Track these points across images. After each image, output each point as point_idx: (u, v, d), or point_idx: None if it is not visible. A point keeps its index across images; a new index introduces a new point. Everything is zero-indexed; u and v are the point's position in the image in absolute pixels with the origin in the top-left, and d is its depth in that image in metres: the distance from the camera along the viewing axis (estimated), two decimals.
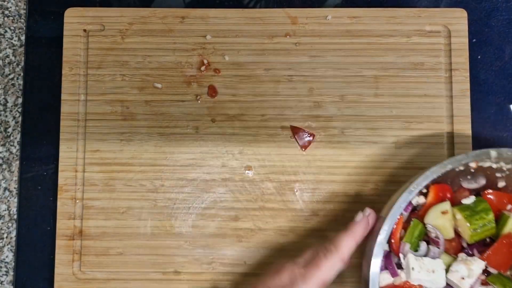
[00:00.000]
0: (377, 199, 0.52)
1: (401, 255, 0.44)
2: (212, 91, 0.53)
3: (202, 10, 0.54)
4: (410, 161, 0.52)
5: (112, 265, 0.51)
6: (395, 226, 0.43)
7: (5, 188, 0.54)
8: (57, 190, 0.52)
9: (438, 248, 0.44)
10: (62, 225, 0.52)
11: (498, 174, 0.46)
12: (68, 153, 0.53)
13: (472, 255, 0.44)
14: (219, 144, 0.53)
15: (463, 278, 0.43)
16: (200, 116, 0.53)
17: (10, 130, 0.55)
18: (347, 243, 0.43)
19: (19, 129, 0.55)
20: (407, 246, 0.44)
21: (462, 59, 0.53)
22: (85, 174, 0.52)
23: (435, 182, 0.45)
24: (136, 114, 0.53)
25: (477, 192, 0.47)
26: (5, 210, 0.54)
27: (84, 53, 0.54)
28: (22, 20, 0.56)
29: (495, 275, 0.43)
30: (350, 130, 0.53)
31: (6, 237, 0.53)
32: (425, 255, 0.44)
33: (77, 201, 0.52)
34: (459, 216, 0.44)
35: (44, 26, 0.56)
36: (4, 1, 0.57)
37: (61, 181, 0.52)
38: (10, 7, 0.57)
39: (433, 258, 0.44)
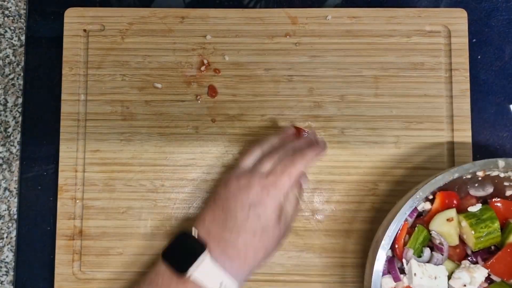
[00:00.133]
0: (377, 199, 0.52)
1: (404, 260, 0.44)
2: (212, 91, 0.53)
3: (202, 10, 0.54)
4: (410, 161, 0.52)
5: (112, 265, 0.51)
6: (399, 232, 0.43)
7: (5, 188, 0.54)
8: (57, 190, 0.52)
9: (442, 254, 0.44)
10: (62, 225, 0.52)
11: (506, 183, 0.45)
12: (68, 153, 0.53)
13: (476, 262, 0.44)
14: (219, 144, 0.53)
15: (465, 286, 0.43)
16: (200, 116, 0.53)
17: (10, 130, 0.55)
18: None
19: (19, 129, 0.55)
20: (410, 252, 0.44)
21: (462, 59, 0.53)
22: (85, 174, 0.52)
23: (441, 189, 0.45)
24: (136, 114, 0.53)
25: (484, 200, 0.47)
26: (5, 210, 0.54)
27: (84, 53, 0.54)
28: (22, 20, 0.56)
29: (498, 283, 0.43)
30: (350, 130, 0.53)
31: (6, 237, 0.53)
32: (428, 261, 0.44)
33: (77, 201, 0.52)
34: (464, 223, 0.44)
35: (44, 26, 0.56)
36: (4, 1, 0.57)
37: (61, 181, 0.52)
38: (10, 7, 0.57)
39: (436, 264, 0.43)
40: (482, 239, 0.44)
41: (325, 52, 0.53)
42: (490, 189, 0.46)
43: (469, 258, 0.45)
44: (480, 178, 0.45)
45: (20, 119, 0.55)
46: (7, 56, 0.56)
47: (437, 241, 0.44)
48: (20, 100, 0.55)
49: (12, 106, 0.55)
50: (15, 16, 0.56)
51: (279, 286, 0.51)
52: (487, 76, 0.54)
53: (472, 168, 0.43)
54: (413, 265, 0.43)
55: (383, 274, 0.43)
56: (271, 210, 0.42)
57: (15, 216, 0.54)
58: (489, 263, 0.43)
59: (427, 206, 0.46)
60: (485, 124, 0.54)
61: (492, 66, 0.54)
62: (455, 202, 0.46)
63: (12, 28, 0.56)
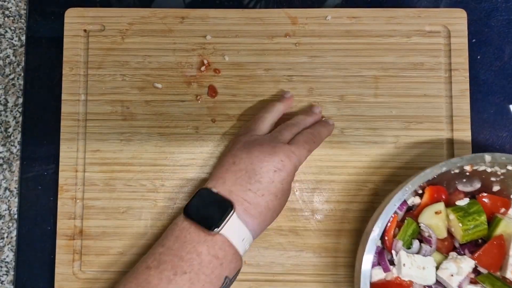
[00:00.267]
0: (377, 199, 0.52)
1: (393, 252, 0.45)
2: (212, 91, 0.53)
3: (202, 10, 0.54)
4: (410, 161, 0.52)
5: (113, 265, 0.51)
6: (389, 224, 0.45)
7: (6, 188, 0.54)
8: (57, 190, 0.52)
9: (430, 246, 0.45)
10: (63, 224, 0.52)
11: (492, 178, 0.47)
12: (69, 153, 0.53)
13: (463, 254, 0.45)
14: (219, 144, 0.53)
15: (452, 275, 0.44)
16: (200, 116, 0.53)
17: (10, 130, 0.55)
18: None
19: (19, 129, 0.55)
20: (399, 243, 0.45)
21: (461, 59, 0.53)
22: (85, 174, 0.52)
23: (430, 183, 0.46)
24: (136, 114, 0.53)
25: (473, 195, 0.48)
26: (5, 210, 0.54)
27: (84, 53, 0.54)
28: (23, 20, 0.56)
29: (485, 275, 0.44)
30: (350, 130, 0.53)
31: (7, 237, 0.53)
32: (417, 253, 0.45)
33: (78, 201, 0.52)
34: (452, 216, 0.45)
35: (45, 26, 0.56)
36: (4, 1, 0.57)
37: (61, 181, 0.52)
38: (11, 7, 0.57)
39: (425, 255, 0.45)
40: (469, 232, 0.45)
41: (325, 52, 0.53)
42: (477, 185, 0.48)
43: (457, 250, 0.46)
44: (468, 174, 0.46)
45: (20, 119, 0.55)
46: (8, 56, 0.56)
47: (426, 234, 0.45)
48: (20, 100, 0.55)
49: (12, 106, 0.55)
50: (15, 16, 0.57)
51: (279, 286, 0.51)
52: (487, 76, 0.54)
53: (459, 162, 0.44)
54: (402, 256, 0.44)
55: (374, 265, 0.44)
56: (291, 176, 0.46)
57: (16, 216, 0.54)
58: (476, 255, 0.45)
59: (416, 200, 0.47)
60: (485, 124, 0.54)
61: (491, 66, 0.55)
62: (443, 196, 0.47)
63: (12, 28, 0.56)
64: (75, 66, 0.54)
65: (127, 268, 0.51)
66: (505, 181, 0.46)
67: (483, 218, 0.45)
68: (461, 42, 0.53)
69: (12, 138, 0.55)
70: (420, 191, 0.47)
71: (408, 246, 0.45)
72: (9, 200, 0.54)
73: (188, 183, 0.52)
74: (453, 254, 0.45)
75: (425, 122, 0.52)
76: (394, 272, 0.44)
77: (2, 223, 0.54)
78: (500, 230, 0.45)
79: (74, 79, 0.54)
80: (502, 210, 0.46)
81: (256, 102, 0.53)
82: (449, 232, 0.46)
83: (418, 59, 0.53)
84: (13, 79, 0.55)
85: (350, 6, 0.55)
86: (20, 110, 0.55)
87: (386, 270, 0.44)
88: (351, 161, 0.52)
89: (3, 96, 0.55)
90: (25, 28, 0.56)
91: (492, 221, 0.46)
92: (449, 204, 0.47)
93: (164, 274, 0.41)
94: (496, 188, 0.47)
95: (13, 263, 0.53)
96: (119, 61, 0.54)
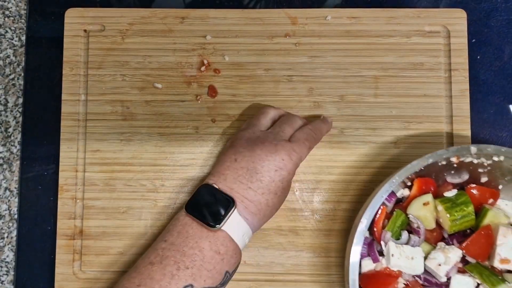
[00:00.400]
0: None
1: (382, 243, 0.45)
2: (212, 91, 0.53)
3: (202, 11, 0.54)
4: (409, 161, 0.52)
5: (113, 265, 0.51)
6: (378, 216, 0.45)
7: (6, 188, 0.54)
8: (57, 190, 0.52)
9: (419, 237, 0.46)
10: (63, 224, 0.52)
11: (480, 170, 0.47)
12: (69, 153, 0.53)
13: (451, 244, 0.46)
14: (219, 144, 0.53)
15: (439, 265, 0.44)
16: (200, 116, 0.53)
17: (10, 130, 0.55)
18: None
19: (19, 129, 0.55)
20: (388, 234, 0.45)
21: (461, 59, 0.53)
22: (85, 174, 0.52)
23: (419, 175, 0.46)
24: (136, 114, 0.53)
25: (461, 187, 0.48)
26: (5, 210, 0.54)
27: (84, 53, 0.54)
28: (23, 21, 0.56)
29: (473, 264, 0.45)
30: (349, 130, 0.53)
31: (7, 237, 0.54)
32: (406, 244, 0.46)
33: (78, 201, 0.52)
34: (440, 207, 0.46)
35: (45, 26, 0.56)
36: (4, 2, 0.57)
37: (61, 181, 0.52)
38: (11, 8, 0.57)
39: (413, 246, 0.45)
40: (457, 222, 0.45)
41: (325, 52, 0.54)
42: (466, 176, 0.48)
43: (445, 240, 0.47)
44: (455, 165, 0.46)
45: (20, 119, 0.55)
46: (8, 56, 0.56)
47: (415, 225, 0.46)
48: (20, 100, 0.55)
49: (12, 106, 0.55)
50: (15, 16, 0.57)
51: (279, 286, 0.51)
52: (487, 76, 0.54)
53: (445, 154, 0.45)
54: (391, 247, 0.45)
55: (363, 256, 0.45)
56: (291, 174, 0.46)
57: (16, 216, 0.54)
58: (464, 245, 0.45)
59: (405, 192, 0.47)
60: (485, 124, 0.54)
61: (491, 66, 0.55)
62: (432, 188, 0.47)
63: (12, 28, 0.56)
64: (75, 66, 0.54)
65: (127, 268, 0.51)
66: (493, 172, 0.47)
67: (471, 208, 0.45)
68: (461, 42, 0.53)
69: (12, 138, 0.55)
70: (409, 183, 0.47)
71: (397, 237, 0.46)
72: (9, 200, 0.54)
73: (188, 183, 0.52)
74: (441, 244, 0.46)
75: (425, 122, 0.52)
76: (383, 262, 0.45)
77: (2, 223, 0.54)
78: (487, 220, 0.45)
79: (74, 79, 0.54)
80: (491, 201, 0.47)
81: (256, 102, 0.53)
82: (438, 223, 0.47)
83: (418, 59, 0.53)
84: (13, 79, 0.56)
85: (350, 6, 0.55)
86: (20, 110, 0.55)
87: (375, 260, 0.45)
88: (351, 161, 0.52)
89: (3, 96, 0.55)
90: (25, 28, 0.56)
91: (480, 212, 0.47)
92: (438, 195, 0.47)
93: (167, 269, 0.42)
94: (484, 179, 0.48)
95: (13, 263, 0.53)
96: (119, 61, 0.54)
